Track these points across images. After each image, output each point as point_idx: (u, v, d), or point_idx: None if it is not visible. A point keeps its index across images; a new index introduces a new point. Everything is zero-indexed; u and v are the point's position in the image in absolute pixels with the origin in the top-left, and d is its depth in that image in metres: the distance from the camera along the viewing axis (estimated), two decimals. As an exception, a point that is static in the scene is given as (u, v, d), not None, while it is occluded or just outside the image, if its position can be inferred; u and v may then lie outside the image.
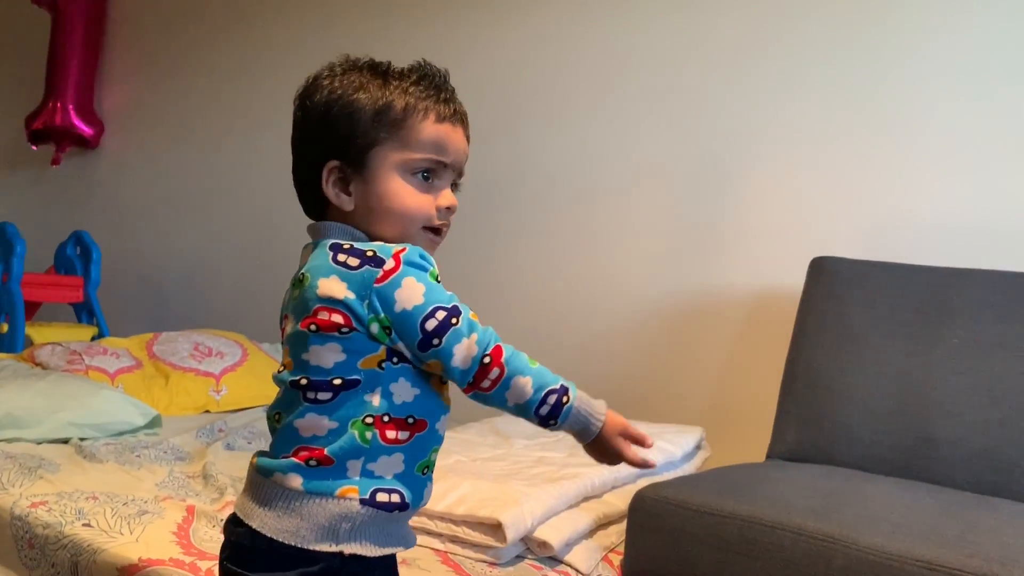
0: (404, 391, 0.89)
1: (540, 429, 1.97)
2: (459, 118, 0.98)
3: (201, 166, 3.70)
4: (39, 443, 1.86)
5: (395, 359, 0.88)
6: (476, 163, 2.81)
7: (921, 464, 1.65)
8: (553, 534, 1.36)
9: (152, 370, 2.41)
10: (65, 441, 1.89)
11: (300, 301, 0.88)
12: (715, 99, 2.42)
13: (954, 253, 2.01)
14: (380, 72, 0.96)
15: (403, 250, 0.89)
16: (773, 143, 2.33)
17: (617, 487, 1.63)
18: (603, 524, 1.51)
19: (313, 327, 0.86)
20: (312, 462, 0.86)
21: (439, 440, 0.94)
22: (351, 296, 0.85)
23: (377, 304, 0.86)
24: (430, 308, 0.87)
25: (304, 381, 0.87)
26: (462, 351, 0.87)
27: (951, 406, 1.67)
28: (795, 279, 2.12)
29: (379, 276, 0.86)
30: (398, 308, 0.86)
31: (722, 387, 2.37)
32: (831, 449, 1.75)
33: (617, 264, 2.57)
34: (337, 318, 0.85)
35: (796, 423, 1.80)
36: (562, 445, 1.88)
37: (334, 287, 0.86)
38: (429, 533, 1.38)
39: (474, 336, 0.88)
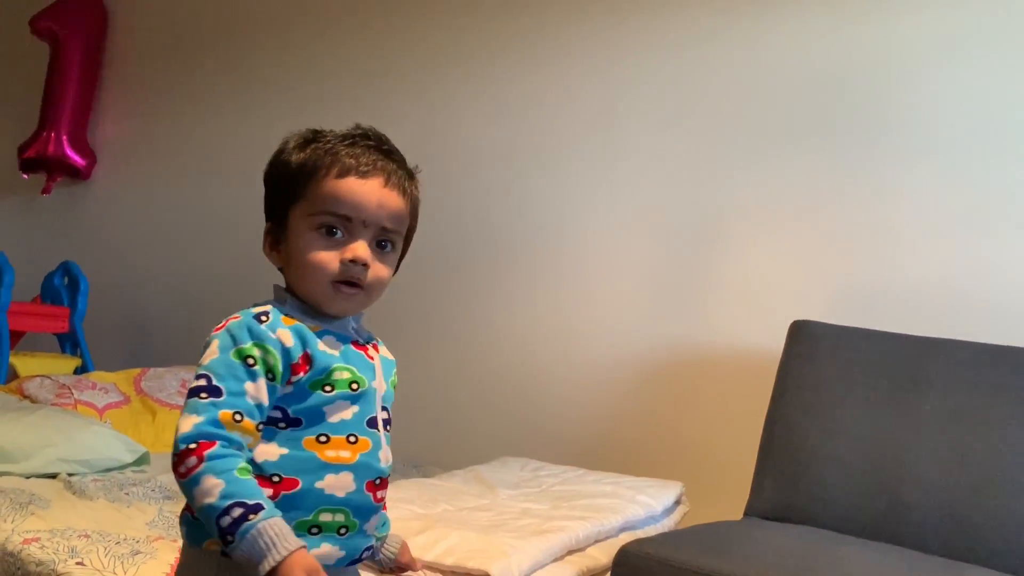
0: (268, 451, 0.92)
1: (524, 478, 2.01)
2: (372, 171, 1.00)
3: (191, 200, 3.74)
4: (28, 477, 1.87)
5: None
6: (463, 213, 2.89)
7: (892, 527, 1.70)
8: (539, 587, 1.39)
9: (140, 406, 2.43)
10: (54, 476, 1.91)
11: None
12: (702, 160, 2.51)
13: (930, 320, 2.09)
14: (310, 138, 1.03)
15: (236, 317, 0.96)
16: (757, 205, 2.41)
17: (600, 540, 1.67)
18: (586, 577, 1.54)
19: None
20: (190, 516, 0.93)
21: (328, 500, 0.94)
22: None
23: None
24: (200, 372, 0.91)
25: None
26: (181, 424, 0.88)
27: (922, 471, 1.73)
28: (774, 340, 2.18)
29: (210, 335, 0.96)
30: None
31: (701, 443, 2.43)
32: (807, 509, 1.80)
33: (599, 318, 2.63)
34: None
35: (773, 482, 1.86)
36: (546, 497, 1.92)
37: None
38: (417, 582, 1.41)
39: (195, 419, 0.87)
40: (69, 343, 3.44)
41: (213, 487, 0.84)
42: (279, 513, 0.85)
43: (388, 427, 1.04)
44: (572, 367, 2.65)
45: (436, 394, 2.92)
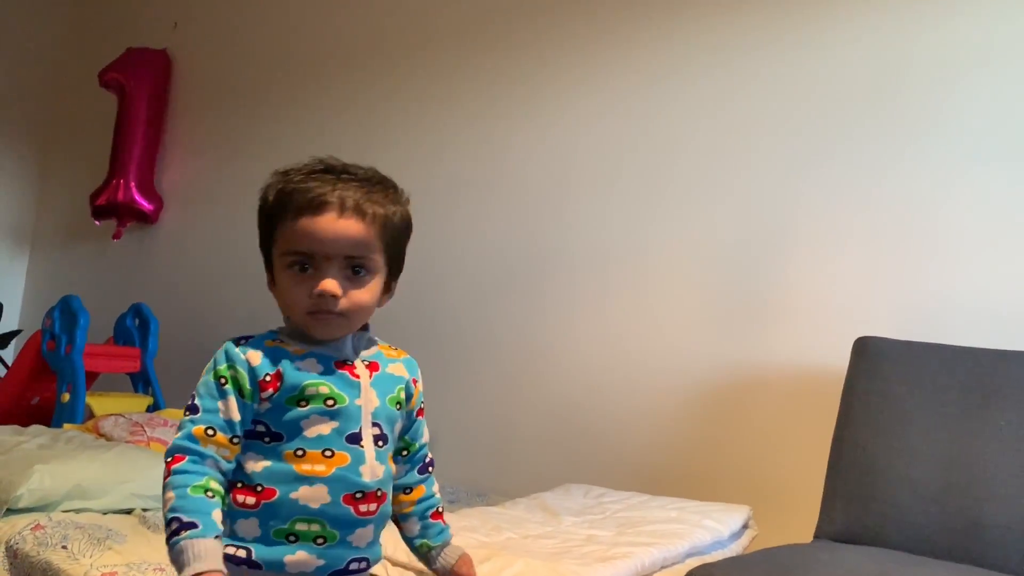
0: (254, 463, 1.03)
1: (587, 505, 2.00)
2: (324, 205, 1.06)
3: (254, 240, 3.83)
4: (105, 513, 1.93)
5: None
6: (516, 237, 2.91)
7: (971, 547, 1.65)
8: (605, 614, 1.38)
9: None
10: (129, 511, 1.96)
11: None
12: (758, 176, 2.49)
13: (1000, 332, 2.03)
14: (275, 181, 1.12)
15: (222, 345, 1.07)
16: (816, 220, 2.38)
17: (667, 567, 1.65)
18: (653, 604, 1.53)
19: None
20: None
21: (302, 510, 1.02)
22: None
23: None
24: (192, 393, 1.04)
25: None
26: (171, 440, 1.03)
27: (1000, 488, 1.67)
28: (838, 357, 2.14)
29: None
30: None
31: (766, 465, 2.38)
32: (879, 530, 1.75)
33: (658, 341, 2.61)
34: None
35: (844, 503, 1.81)
36: (610, 523, 1.90)
37: None
38: (484, 610, 1.41)
39: (176, 434, 1.01)
40: (141, 382, 3.55)
41: (168, 499, 0.96)
42: (217, 532, 0.95)
43: (380, 443, 1.09)
44: (632, 392, 2.64)
45: (497, 422, 2.92)
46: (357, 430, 1.06)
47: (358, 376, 1.09)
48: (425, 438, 1.21)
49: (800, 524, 2.03)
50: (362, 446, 1.06)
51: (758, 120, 2.51)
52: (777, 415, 2.38)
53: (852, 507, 1.79)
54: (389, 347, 1.19)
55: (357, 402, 1.07)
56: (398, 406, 1.13)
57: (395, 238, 1.12)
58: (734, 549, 1.97)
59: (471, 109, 3.14)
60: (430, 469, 1.22)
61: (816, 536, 1.83)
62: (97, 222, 4.29)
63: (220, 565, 0.93)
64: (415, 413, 1.19)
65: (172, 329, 3.76)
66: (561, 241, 2.86)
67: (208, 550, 0.93)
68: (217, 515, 0.97)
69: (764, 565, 1.42)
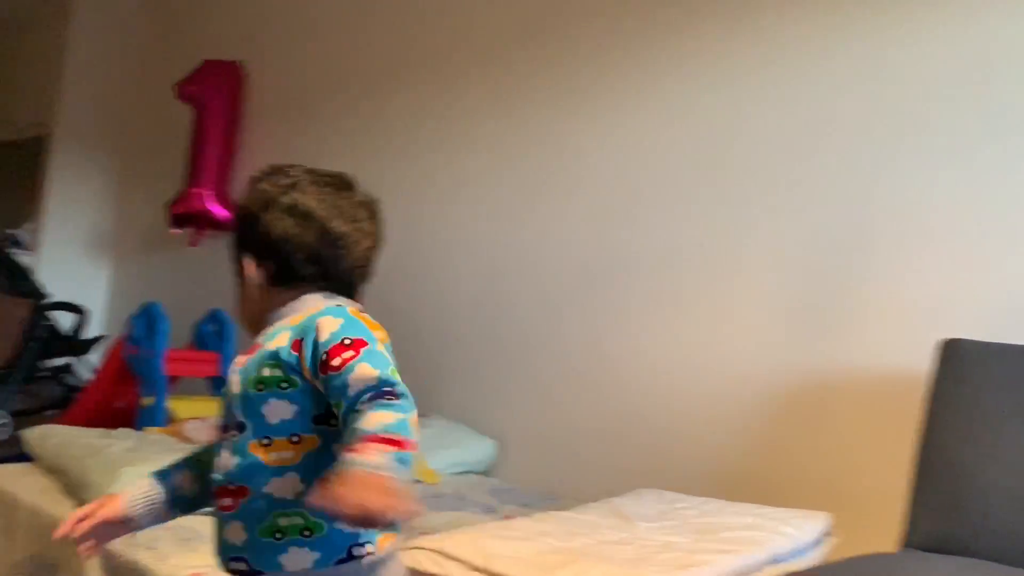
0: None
1: (662, 511, 1.97)
2: None
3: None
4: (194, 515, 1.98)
5: None
6: (587, 241, 2.90)
7: (1069, 559, 1.58)
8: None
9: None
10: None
11: None
12: (837, 174, 2.43)
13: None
14: None
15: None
16: (897, 218, 2.31)
17: (746, 575, 1.62)
18: (734, 613, 1.50)
19: None
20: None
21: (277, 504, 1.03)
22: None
23: None
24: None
25: None
26: None
27: (1100, 498, 1.60)
28: (920, 360, 2.07)
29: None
30: None
31: (845, 471, 2.32)
32: (969, 539, 1.69)
33: (733, 341, 2.57)
34: None
35: (932, 512, 1.75)
36: (687, 529, 1.88)
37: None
38: (562, 616, 1.41)
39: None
40: (219, 386, 3.64)
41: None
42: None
43: (232, 432, 1.08)
44: (704, 396, 2.60)
45: (567, 425, 2.91)
46: (224, 422, 1.12)
47: (239, 363, 1.14)
48: (353, 389, 0.97)
49: (880, 533, 1.97)
50: (221, 438, 1.11)
51: (835, 117, 2.44)
52: (855, 420, 2.32)
53: (940, 516, 1.73)
54: (295, 316, 1.11)
55: (229, 390, 1.13)
56: (260, 386, 1.05)
57: (241, 228, 1.21)
58: (814, 557, 1.92)
59: (540, 113, 3.14)
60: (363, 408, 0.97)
61: (902, 545, 1.78)
62: (175, 230, 4.42)
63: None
64: (319, 370, 1.01)
65: (244, 333, 3.85)
66: (631, 243, 2.83)
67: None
68: None
69: (852, 574, 1.39)
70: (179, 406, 3.33)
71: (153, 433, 2.53)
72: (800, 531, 1.91)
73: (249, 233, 1.17)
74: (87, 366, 4.42)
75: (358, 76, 3.88)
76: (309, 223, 1.15)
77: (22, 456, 3.53)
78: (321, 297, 1.16)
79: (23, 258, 4.46)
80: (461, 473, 2.80)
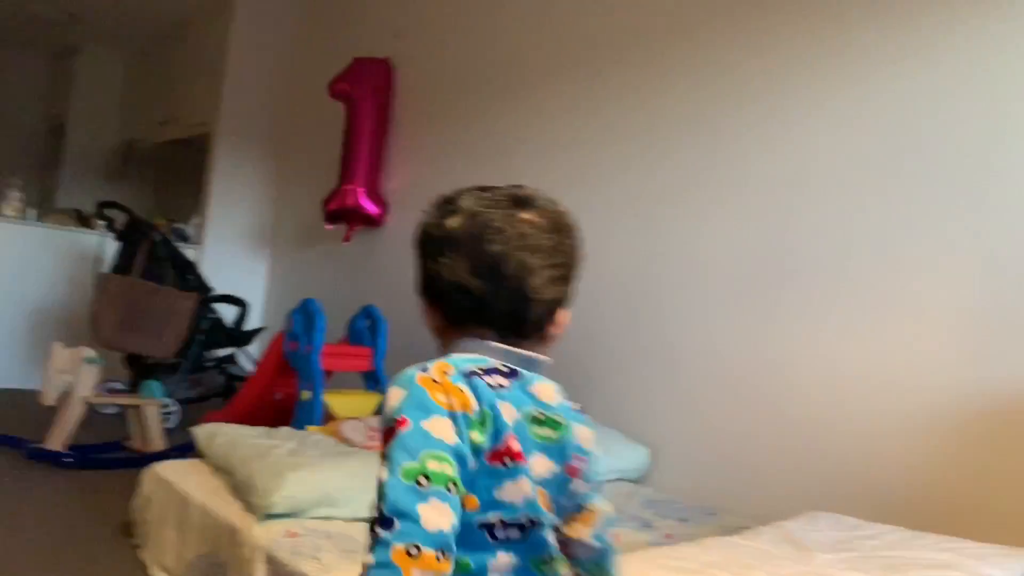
0: None
1: (840, 540, 1.82)
2: None
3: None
4: (350, 520, 1.99)
5: None
6: (754, 245, 2.73)
7: None
8: None
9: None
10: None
11: (559, 444, 0.95)
12: (1036, 174, 2.18)
13: None
14: None
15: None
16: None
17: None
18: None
19: (569, 474, 0.95)
20: None
21: None
22: (590, 444, 0.97)
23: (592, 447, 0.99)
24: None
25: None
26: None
27: None
28: None
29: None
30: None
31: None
32: None
33: (915, 353, 2.35)
34: (584, 467, 0.96)
35: None
36: (871, 565, 1.72)
37: (586, 435, 0.97)
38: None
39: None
40: (372, 380, 3.70)
41: None
42: None
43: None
44: (882, 412, 2.40)
45: (725, 437, 2.77)
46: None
47: None
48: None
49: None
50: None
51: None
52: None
53: None
54: None
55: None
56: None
57: (416, 268, 1.06)
58: (1019, 603, 1.72)
59: (698, 110, 2.99)
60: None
61: None
62: (329, 226, 4.53)
63: None
64: None
65: (398, 327, 3.90)
66: (798, 248, 2.65)
67: None
68: None
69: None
70: (334, 400, 3.41)
71: (313, 432, 2.58)
72: (1004, 571, 1.72)
73: (418, 274, 1.05)
74: (248, 356, 4.61)
75: (505, 70, 3.84)
76: (465, 258, 0.96)
77: (189, 445, 3.73)
78: (471, 341, 0.98)
79: (188, 252, 4.69)
80: (614, 480, 2.71)
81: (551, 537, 0.93)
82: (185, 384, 4.41)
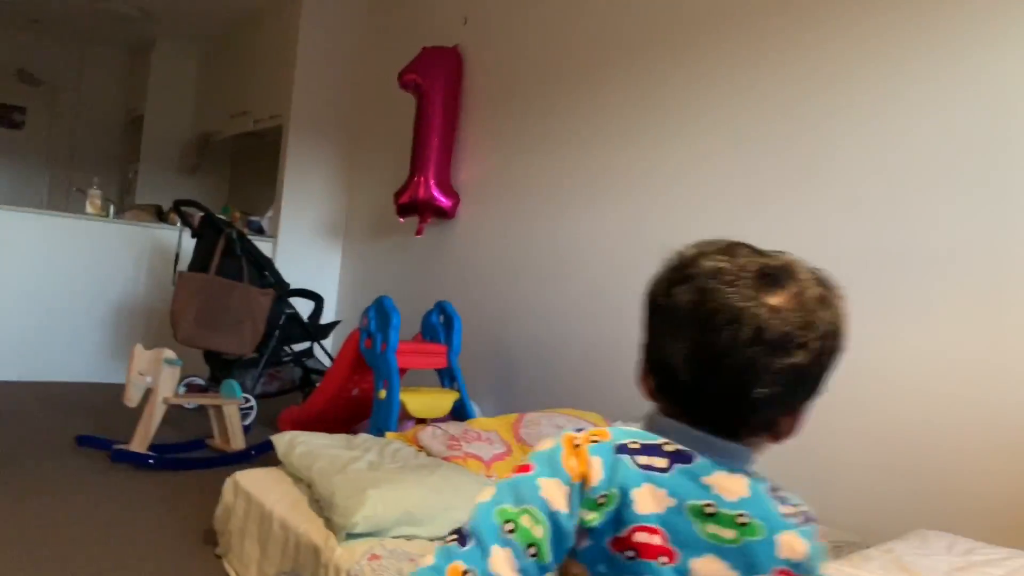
0: None
1: (955, 566, 1.68)
2: None
3: (546, 235, 3.81)
4: (432, 540, 1.94)
5: None
6: (840, 235, 2.57)
7: None
8: None
9: (520, 455, 2.47)
10: (454, 538, 1.96)
11: (749, 554, 0.79)
12: None
13: None
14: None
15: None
16: None
17: None
18: None
19: None
20: None
21: None
22: (809, 558, 0.79)
23: (812, 564, 0.80)
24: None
25: None
26: None
27: None
28: None
29: (816, 535, 0.81)
30: (819, 570, 0.81)
31: None
32: None
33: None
34: None
35: None
36: (997, 600, 1.58)
37: (797, 548, 0.79)
38: None
39: None
40: (447, 377, 3.66)
41: None
42: None
43: None
44: (994, 420, 2.23)
45: (814, 444, 2.63)
46: None
47: None
48: None
49: None
50: None
51: None
52: None
53: None
54: None
55: None
56: None
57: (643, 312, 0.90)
58: None
59: (778, 97, 2.82)
60: None
61: None
62: (401, 219, 4.49)
63: None
64: None
65: (469, 321, 3.84)
66: (894, 239, 2.48)
67: None
68: None
69: None
70: (411, 399, 3.37)
71: (392, 440, 2.54)
72: None
73: (642, 332, 0.88)
74: (325, 350, 4.62)
75: (575, 58, 3.71)
76: (684, 342, 0.81)
77: (269, 443, 3.75)
78: (661, 417, 0.85)
79: (262, 246, 4.70)
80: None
81: None
82: (263, 379, 4.45)
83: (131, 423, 3.37)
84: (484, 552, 0.76)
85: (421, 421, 3.65)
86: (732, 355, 0.78)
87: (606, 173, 3.52)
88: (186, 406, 4.24)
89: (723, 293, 0.79)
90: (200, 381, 4.47)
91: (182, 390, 4.35)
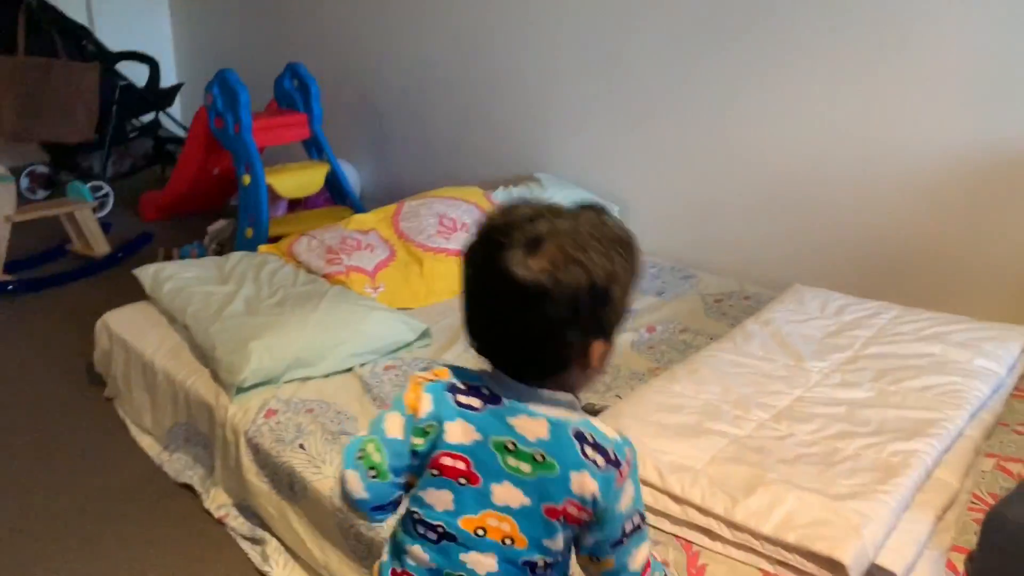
0: None
1: (828, 331, 1.76)
2: None
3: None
4: (327, 376, 1.91)
5: None
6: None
7: None
8: (897, 560, 1.24)
9: (405, 256, 2.39)
10: (349, 370, 1.94)
11: (542, 486, 0.91)
12: None
13: None
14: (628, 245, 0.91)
15: (630, 451, 0.94)
16: None
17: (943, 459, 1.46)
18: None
19: (562, 519, 0.91)
20: None
21: None
22: (599, 496, 0.90)
23: (604, 503, 0.91)
24: (635, 513, 0.95)
25: (541, 563, 0.94)
26: (642, 553, 0.96)
27: None
28: None
29: (617, 479, 0.91)
30: (616, 509, 0.92)
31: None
32: None
33: (914, 110, 2.15)
34: (585, 516, 0.92)
35: None
36: (864, 377, 1.69)
37: (588, 486, 0.90)
38: (755, 553, 1.30)
39: (647, 543, 0.97)
40: (313, 148, 3.43)
41: None
42: None
43: None
44: (869, 170, 2.25)
45: (696, 191, 2.63)
46: None
47: None
48: None
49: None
50: None
51: None
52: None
53: None
54: None
55: None
56: None
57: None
58: (1008, 384, 1.74)
59: None
60: None
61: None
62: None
63: None
64: None
65: (329, 80, 3.54)
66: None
67: None
68: None
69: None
70: (279, 180, 3.17)
71: (267, 259, 2.39)
72: (996, 362, 1.72)
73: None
74: (172, 119, 4.25)
75: None
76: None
77: (138, 242, 3.54)
78: (485, 368, 1.00)
79: (73, 12, 4.07)
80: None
81: (477, 561, 0.93)
82: (113, 160, 4.09)
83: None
84: (343, 473, 0.97)
85: (295, 201, 3.49)
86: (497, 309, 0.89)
87: None
88: (33, 198, 3.89)
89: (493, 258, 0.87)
90: (43, 169, 4.09)
91: (25, 182, 4.00)
